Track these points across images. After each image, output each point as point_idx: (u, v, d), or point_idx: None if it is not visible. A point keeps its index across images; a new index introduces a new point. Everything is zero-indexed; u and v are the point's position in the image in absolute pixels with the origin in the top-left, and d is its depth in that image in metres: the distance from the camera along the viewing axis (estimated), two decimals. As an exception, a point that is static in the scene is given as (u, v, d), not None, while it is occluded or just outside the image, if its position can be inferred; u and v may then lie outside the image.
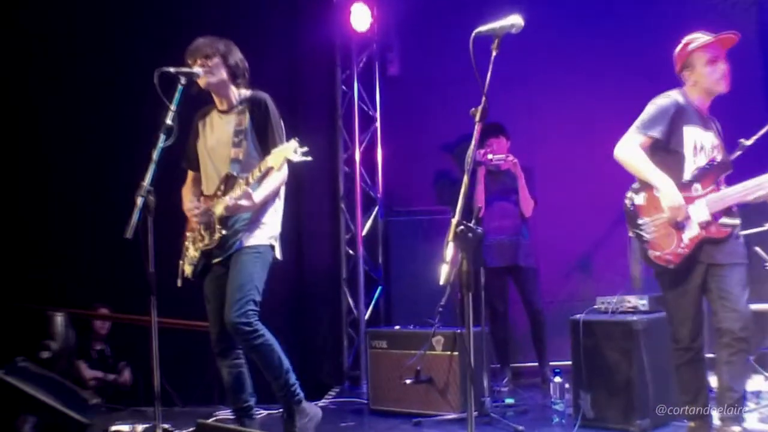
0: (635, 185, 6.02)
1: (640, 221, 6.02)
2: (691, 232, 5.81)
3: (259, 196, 5.82)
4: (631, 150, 5.89)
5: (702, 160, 5.88)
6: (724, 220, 5.80)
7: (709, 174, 5.86)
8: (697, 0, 8.63)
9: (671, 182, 5.79)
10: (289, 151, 5.49)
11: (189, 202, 6.21)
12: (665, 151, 5.92)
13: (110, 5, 8.39)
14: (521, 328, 9.17)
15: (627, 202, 6.09)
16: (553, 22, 9.18)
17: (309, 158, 5.64)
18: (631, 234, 6.13)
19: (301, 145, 5.56)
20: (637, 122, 5.94)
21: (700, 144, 5.91)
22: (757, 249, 7.13)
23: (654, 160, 5.90)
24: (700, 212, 5.79)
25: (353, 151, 10.03)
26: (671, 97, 5.96)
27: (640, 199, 6.03)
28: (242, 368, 6.09)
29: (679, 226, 5.85)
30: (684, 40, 5.95)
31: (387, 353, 8.05)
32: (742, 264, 5.88)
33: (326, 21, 9.77)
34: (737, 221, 5.92)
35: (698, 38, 5.89)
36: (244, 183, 5.76)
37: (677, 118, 5.91)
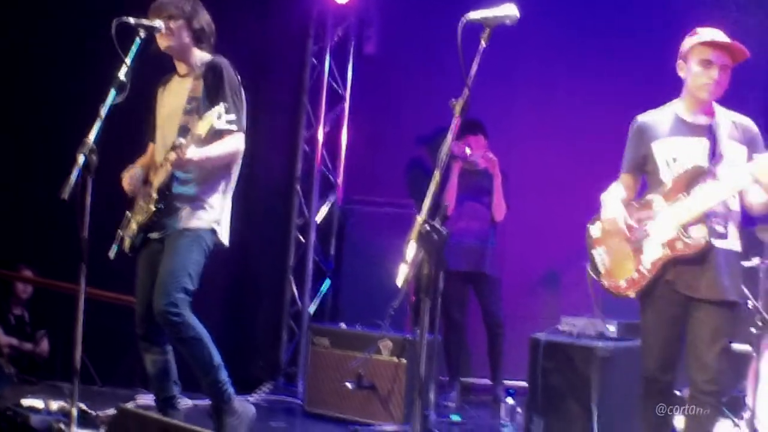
0: (594, 217, 6.04)
1: (593, 252, 6.04)
2: (653, 253, 5.70)
3: (194, 153, 5.58)
4: (608, 190, 5.93)
5: (679, 171, 5.81)
6: (694, 232, 5.67)
7: (676, 185, 5.76)
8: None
9: (615, 198, 5.83)
10: (213, 116, 5.38)
11: (128, 170, 6.10)
12: (648, 174, 5.94)
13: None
14: (477, 341, 9.19)
15: (586, 233, 6.12)
16: (543, 18, 9.11)
17: (233, 127, 5.61)
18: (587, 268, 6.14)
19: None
20: None
21: (673, 156, 5.81)
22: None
23: (650, 189, 5.91)
24: (661, 228, 5.70)
25: (316, 130, 10.04)
26: (636, 119, 6.01)
27: (595, 230, 6.04)
28: (167, 356, 6.03)
29: (637, 248, 5.78)
30: (695, 30, 5.87)
31: (329, 352, 8.06)
32: (729, 303, 5.72)
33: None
34: (723, 242, 5.72)
35: (708, 33, 5.79)
36: (184, 145, 5.58)
37: (644, 140, 5.94)
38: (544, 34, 9.29)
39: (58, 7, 7.88)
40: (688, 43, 5.83)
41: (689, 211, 5.59)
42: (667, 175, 5.75)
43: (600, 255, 6.01)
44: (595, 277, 6.03)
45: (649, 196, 5.87)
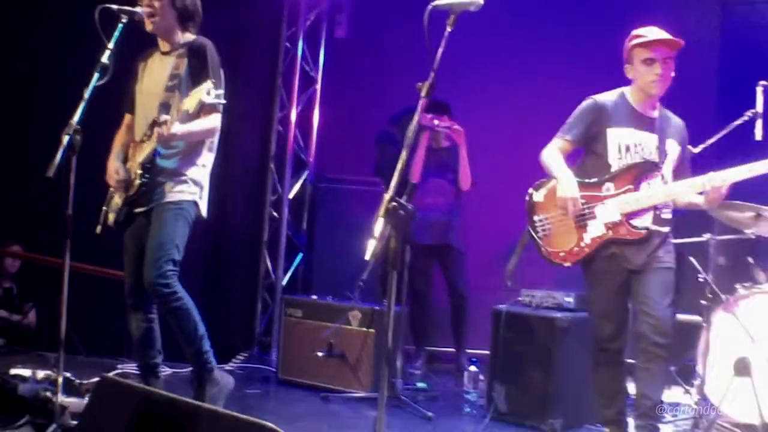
0: (539, 182, 6.18)
1: (535, 217, 6.19)
2: (595, 231, 5.95)
3: (179, 129, 5.64)
4: (548, 152, 6.08)
5: (630, 161, 6.01)
6: (638, 222, 5.91)
7: (626, 174, 5.98)
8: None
9: (572, 177, 5.96)
10: (203, 92, 5.42)
11: (111, 165, 6.10)
12: (593, 153, 6.09)
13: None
14: (442, 312, 9.27)
15: (527, 197, 6.25)
16: (509, 6, 9.23)
17: (222, 101, 5.66)
18: (527, 230, 6.28)
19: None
20: (562, 126, 6.14)
21: (626, 145, 6.01)
22: (692, 259, 7.28)
23: (585, 163, 6.14)
24: (608, 212, 5.92)
25: (289, 111, 10.11)
26: (595, 100, 6.12)
27: (539, 195, 6.19)
28: (153, 324, 6.09)
29: (582, 225, 5.99)
30: (632, 33, 6.04)
31: (301, 323, 8.14)
32: (666, 269, 5.99)
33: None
34: (661, 228, 6.02)
35: (643, 35, 5.97)
36: (168, 122, 5.64)
37: (598, 120, 6.06)
38: (506, 20, 9.35)
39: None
40: (628, 47, 6.02)
41: (638, 202, 5.90)
42: (617, 161, 5.95)
43: (542, 221, 6.19)
44: (533, 239, 6.23)
45: (598, 179, 6.02)
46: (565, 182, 5.94)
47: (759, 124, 5.95)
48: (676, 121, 6.15)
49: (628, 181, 5.93)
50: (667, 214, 6.02)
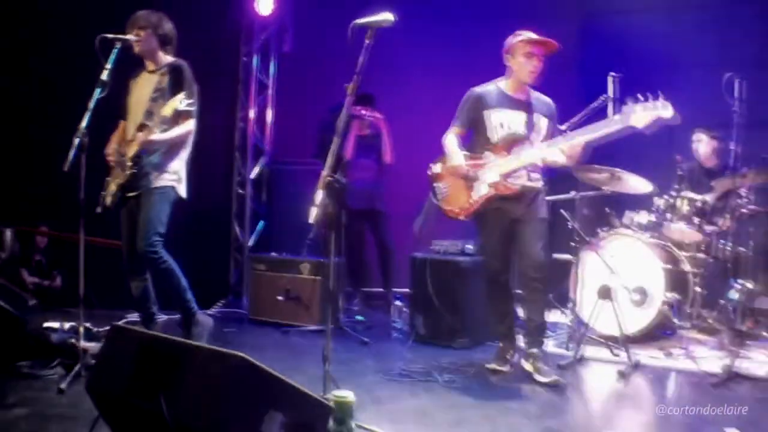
0: (437, 159, 6.32)
1: (435, 185, 6.33)
2: (481, 191, 6.04)
3: (158, 136, 5.83)
4: (445, 136, 6.18)
5: (504, 134, 6.09)
6: (513, 180, 5.99)
7: (501, 144, 6.06)
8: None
9: (459, 152, 6.08)
10: (177, 101, 5.61)
11: (108, 147, 6.24)
12: (478, 132, 6.18)
13: None
14: (373, 261, 9.29)
15: (428, 171, 6.39)
16: (419, 18, 9.20)
17: (192, 108, 5.84)
18: (429, 195, 6.41)
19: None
20: (456, 115, 6.26)
21: (500, 122, 6.09)
22: (563, 211, 7.44)
23: (474, 140, 6.23)
24: (489, 175, 6.00)
25: (248, 111, 10.14)
26: (473, 91, 6.22)
27: (437, 168, 6.33)
28: (147, 283, 6.20)
29: (470, 186, 6.10)
30: (518, 32, 6.07)
31: (265, 275, 8.25)
32: (540, 219, 6.12)
33: (237, 5, 9.82)
34: (533, 184, 6.12)
35: (529, 34, 6.00)
36: (151, 128, 5.81)
37: (476, 106, 6.16)
38: (418, 31, 9.28)
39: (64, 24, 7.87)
40: (513, 40, 6.06)
41: (511, 165, 5.92)
42: (495, 136, 6.06)
43: (440, 187, 6.33)
44: (435, 202, 6.36)
45: (481, 151, 6.12)
46: (453, 156, 6.09)
47: (610, 105, 6.08)
48: (544, 100, 6.24)
49: (503, 149, 6.01)
50: (536, 174, 6.11)
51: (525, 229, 6.13)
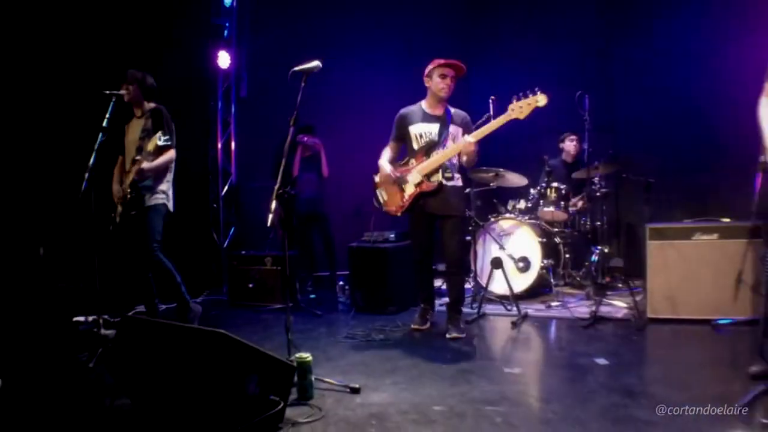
0: (377, 171, 6.26)
1: (377, 191, 6.28)
2: (409, 190, 6.01)
3: (147, 165, 5.87)
4: (383, 152, 6.17)
5: (422, 143, 6.03)
6: (433, 179, 5.96)
7: (421, 151, 6.01)
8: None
9: (386, 163, 6.08)
10: (156, 138, 5.59)
11: (115, 186, 6.29)
12: (407, 145, 6.12)
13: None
14: (319, 252, 9.21)
15: (373, 180, 6.33)
16: (350, 60, 9.34)
17: (169, 143, 5.81)
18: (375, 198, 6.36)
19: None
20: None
21: (419, 134, 6.02)
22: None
23: (406, 151, 6.15)
24: (414, 176, 5.98)
25: (217, 143, 10.01)
26: (400, 112, 6.16)
27: (377, 178, 6.28)
28: (150, 281, 6.16)
29: (401, 189, 6.04)
30: (434, 59, 6.01)
31: (238, 268, 8.14)
32: (456, 216, 6.04)
33: (205, 60, 9.76)
34: (448, 183, 6.01)
35: (441, 60, 5.95)
36: (141, 160, 5.85)
37: (402, 124, 6.12)
38: (353, 63, 9.46)
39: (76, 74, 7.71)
40: (430, 66, 6.00)
41: (428, 166, 5.92)
42: (416, 146, 6.04)
43: (380, 193, 6.26)
44: (378, 205, 6.31)
45: (407, 159, 6.12)
46: (382, 167, 6.11)
47: (491, 122, 6.11)
48: (460, 114, 6.11)
49: (422, 155, 6.01)
50: (448, 173, 5.99)
51: (445, 225, 6.05)
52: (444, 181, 6.00)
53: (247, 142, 10.15)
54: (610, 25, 9.39)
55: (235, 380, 3.58)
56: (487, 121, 5.87)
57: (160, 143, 5.62)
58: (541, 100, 5.45)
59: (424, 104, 6.15)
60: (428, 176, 5.97)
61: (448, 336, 5.99)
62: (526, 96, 5.50)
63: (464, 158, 5.93)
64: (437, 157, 5.94)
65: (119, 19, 8.00)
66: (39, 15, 7.55)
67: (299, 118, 4.82)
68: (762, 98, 4.38)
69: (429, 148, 6.01)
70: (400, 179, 6.06)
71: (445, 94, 6.01)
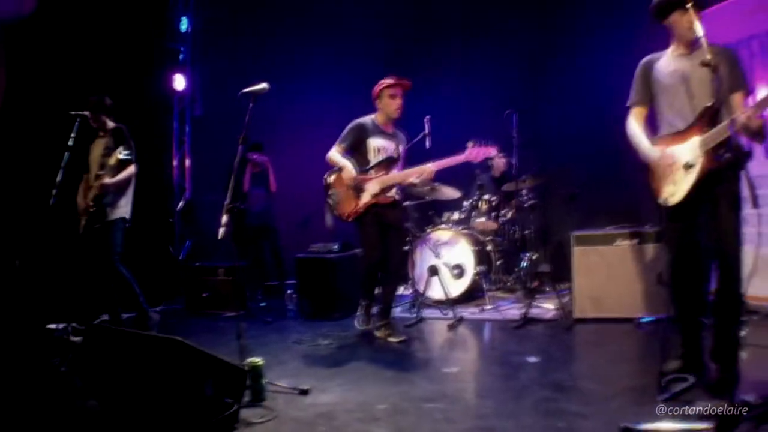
0: (330, 171, 6.14)
1: (330, 192, 6.11)
2: (365, 199, 5.94)
3: (109, 181, 5.98)
4: (332, 153, 6.01)
5: (382, 157, 6.02)
6: (389, 193, 6.00)
7: (380, 166, 5.99)
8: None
9: (352, 168, 5.92)
10: (118, 153, 5.74)
11: (79, 200, 6.33)
12: (359, 154, 6.04)
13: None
14: (269, 262, 9.21)
15: (324, 179, 6.17)
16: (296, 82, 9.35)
17: (129, 157, 5.94)
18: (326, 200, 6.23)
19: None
20: (340, 137, 6.08)
21: (378, 148, 6.02)
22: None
23: (356, 158, 6.04)
24: (372, 187, 5.94)
25: (173, 161, 9.95)
26: (358, 122, 6.08)
27: (331, 179, 6.12)
28: (113, 292, 6.15)
29: (358, 195, 5.97)
30: (382, 81, 6.07)
31: (195, 278, 8.12)
32: (404, 229, 6.20)
33: (162, 82, 9.71)
34: (397, 197, 6.11)
35: (387, 80, 6.03)
36: (104, 176, 5.95)
37: (360, 134, 6.03)
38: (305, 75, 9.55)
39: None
40: (378, 88, 6.07)
41: (389, 181, 5.97)
42: (374, 159, 6.02)
43: (333, 195, 6.08)
44: (331, 205, 6.14)
45: (368, 168, 6.00)
46: (348, 168, 5.92)
47: (427, 140, 6.19)
48: (401, 133, 6.20)
49: (383, 169, 5.97)
50: (396, 188, 6.07)
51: (395, 236, 6.10)
52: (396, 197, 6.10)
53: (201, 159, 10.11)
54: (540, 44, 9.54)
55: (191, 384, 3.63)
56: (424, 139, 6.01)
57: (121, 157, 5.74)
58: (493, 151, 5.82)
59: (377, 120, 6.14)
60: (384, 190, 5.99)
61: (392, 340, 6.02)
62: (482, 145, 5.80)
63: (417, 181, 5.98)
64: (399, 176, 5.98)
65: (82, 44, 7.95)
66: (11, 39, 7.46)
67: (248, 137, 4.84)
68: (630, 117, 4.70)
69: (389, 164, 6.02)
70: (357, 186, 5.99)
71: (398, 114, 6.07)
